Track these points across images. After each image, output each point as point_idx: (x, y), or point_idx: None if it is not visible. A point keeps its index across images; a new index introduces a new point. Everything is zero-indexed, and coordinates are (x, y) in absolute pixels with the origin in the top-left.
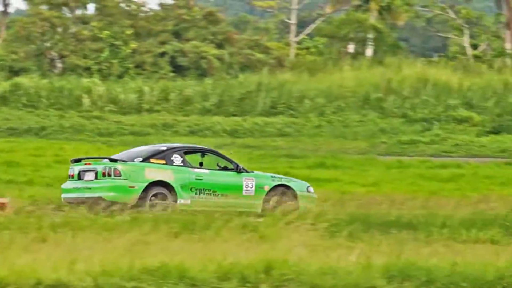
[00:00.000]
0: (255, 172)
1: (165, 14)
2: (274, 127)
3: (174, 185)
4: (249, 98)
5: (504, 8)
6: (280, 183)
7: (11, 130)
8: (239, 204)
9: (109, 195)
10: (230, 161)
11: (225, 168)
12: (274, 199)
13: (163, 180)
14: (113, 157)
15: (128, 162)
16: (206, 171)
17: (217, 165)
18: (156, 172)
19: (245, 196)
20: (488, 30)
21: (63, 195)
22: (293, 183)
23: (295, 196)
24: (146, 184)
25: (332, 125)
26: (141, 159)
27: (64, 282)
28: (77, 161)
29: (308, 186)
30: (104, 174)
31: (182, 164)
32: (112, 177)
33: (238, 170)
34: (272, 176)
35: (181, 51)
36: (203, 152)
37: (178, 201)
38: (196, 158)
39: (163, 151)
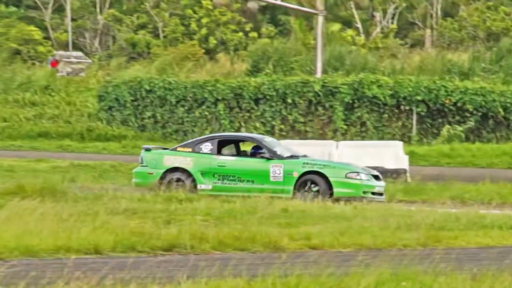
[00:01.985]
0: (292, 159)
1: None
2: None
3: (192, 172)
4: None
5: None
6: (311, 169)
7: None
8: (265, 189)
9: (134, 181)
10: (268, 149)
11: (253, 155)
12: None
13: (180, 167)
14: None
15: (152, 151)
16: (232, 158)
17: (250, 152)
18: (174, 159)
19: (272, 182)
20: None
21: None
22: (328, 169)
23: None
24: (163, 170)
25: None
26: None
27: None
28: (147, 149)
29: (349, 172)
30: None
31: (210, 152)
32: (139, 164)
33: (269, 157)
34: (304, 163)
35: None
36: (242, 140)
37: (198, 186)
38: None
39: (195, 140)
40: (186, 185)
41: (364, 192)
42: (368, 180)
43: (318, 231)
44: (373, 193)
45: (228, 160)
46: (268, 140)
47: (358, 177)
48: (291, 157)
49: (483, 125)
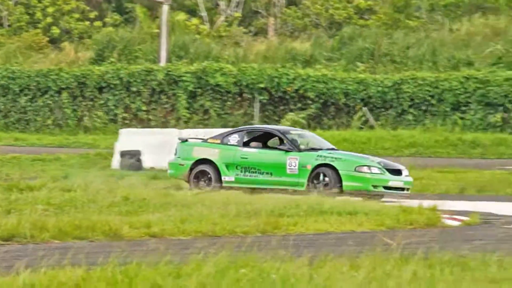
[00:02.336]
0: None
1: None
2: None
3: (217, 163)
4: None
5: None
6: (323, 162)
7: None
8: (282, 182)
9: (169, 172)
10: (288, 141)
11: (274, 148)
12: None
13: (207, 158)
14: None
15: (187, 142)
16: (254, 150)
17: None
18: (202, 150)
19: (289, 175)
20: None
21: None
22: (339, 162)
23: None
24: (192, 161)
25: None
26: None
27: None
28: (183, 140)
29: (359, 166)
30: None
31: (236, 143)
32: (174, 155)
33: (287, 149)
34: (319, 155)
35: None
36: (268, 132)
37: (222, 178)
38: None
39: (225, 131)
40: (211, 177)
41: (374, 186)
42: (380, 174)
43: (158, 219)
44: (387, 188)
45: (250, 152)
46: (295, 132)
47: (368, 171)
48: (312, 149)
49: (324, 112)
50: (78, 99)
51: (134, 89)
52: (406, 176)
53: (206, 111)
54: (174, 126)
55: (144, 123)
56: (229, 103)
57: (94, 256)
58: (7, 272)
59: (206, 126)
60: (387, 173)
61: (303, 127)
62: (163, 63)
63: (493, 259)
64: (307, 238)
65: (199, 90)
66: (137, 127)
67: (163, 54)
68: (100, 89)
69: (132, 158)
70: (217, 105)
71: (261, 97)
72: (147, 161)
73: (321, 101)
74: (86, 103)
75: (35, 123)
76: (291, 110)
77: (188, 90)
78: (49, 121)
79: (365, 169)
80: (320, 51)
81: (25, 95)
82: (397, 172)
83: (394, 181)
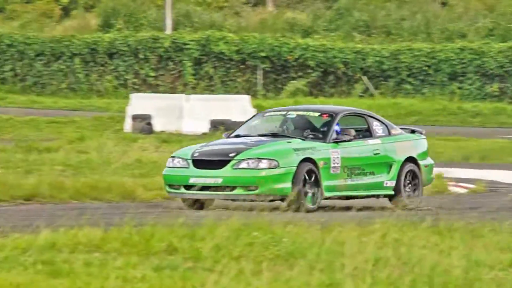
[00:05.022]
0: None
1: None
2: None
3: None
4: None
5: None
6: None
7: None
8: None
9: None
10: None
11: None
12: None
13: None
14: None
15: None
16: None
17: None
18: None
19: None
20: None
21: None
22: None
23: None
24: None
25: None
26: None
27: None
28: None
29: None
30: None
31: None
32: None
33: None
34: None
35: None
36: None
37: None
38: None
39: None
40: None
41: None
42: None
43: None
44: None
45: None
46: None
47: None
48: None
49: (325, 80)
50: (89, 64)
51: (142, 55)
52: None
53: (211, 78)
54: (182, 92)
55: (153, 88)
56: (232, 70)
57: (110, 216)
58: (28, 230)
59: (211, 92)
60: None
61: (305, 95)
62: (168, 31)
63: (504, 227)
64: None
65: (204, 57)
66: (146, 92)
67: (169, 22)
68: (110, 55)
69: (143, 122)
70: (221, 72)
71: (264, 65)
72: (157, 124)
73: (321, 69)
74: (98, 68)
75: (50, 87)
76: (293, 78)
77: (193, 57)
78: (64, 85)
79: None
80: (318, 22)
81: (40, 60)
82: None
83: None
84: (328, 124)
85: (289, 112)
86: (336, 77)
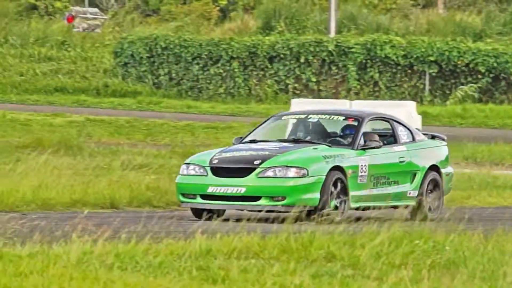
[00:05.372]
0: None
1: None
2: None
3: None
4: None
5: None
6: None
7: None
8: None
9: None
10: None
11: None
12: None
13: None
14: None
15: None
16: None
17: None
18: None
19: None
20: None
21: None
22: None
23: None
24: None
25: None
26: None
27: None
28: None
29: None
30: None
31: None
32: None
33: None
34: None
35: None
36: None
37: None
38: None
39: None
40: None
41: None
42: None
43: None
44: None
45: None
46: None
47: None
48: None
49: (495, 87)
50: (249, 68)
51: (303, 59)
52: None
53: (375, 83)
54: (345, 98)
55: (315, 94)
56: (398, 75)
57: (268, 223)
58: (183, 236)
59: (376, 98)
60: None
61: (474, 101)
62: (332, 34)
63: None
64: (481, 212)
65: (369, 61)
66: (307, 97)
67: (333, 25)
68: (271, 59)
69: None
70: (386, 77)
71: (431, 70)
72: None
73: (492, 75)
74: (257, 72)
75: (207, 91)
76: (461, 84)
77: (357, 61)
78: (221, 90)
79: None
80: (490, 25)
81: (197, 63)
82: None
83: None
84: (355, 129)
85: (310, 116)
86: (507, 83)
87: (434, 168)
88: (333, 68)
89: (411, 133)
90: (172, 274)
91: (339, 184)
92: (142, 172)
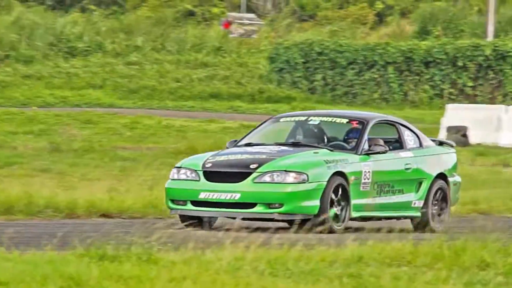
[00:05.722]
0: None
1: None
2: None
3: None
4: None
5: None
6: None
7: None
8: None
9: None
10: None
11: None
12: None
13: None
14: None
15: None
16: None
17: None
18: None
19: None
20: None
21: None
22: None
23: None
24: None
25: None
26: None
27: None
28: None
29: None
30: None
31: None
32: None
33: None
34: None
35: None
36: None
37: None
38: None
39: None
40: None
41: None
42: None
43: (486, 196)
44: None
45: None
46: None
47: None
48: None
49: None
50: (404, 73)
51: (460, 64)
52: None
53: None
54: (501, 102)
55: (470, 99)
56: None
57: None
58: (334, 244)
59: None
60: None
61: None
62: (490, 38)
63: None
64: None
65: None
66: (463, 103)
67: (491, 29)
68: (426, 64)
69: (458, 133)
70: None
71: None
72: (473, 136)
73: None
74: (412, 77)
75: (361, 97)
76: None
77: None
78: (376, 95)
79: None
80: None
81: (352, 68)
82: None
83: None
84: (359, 133)
85: (311, 118)
86: None
87: (442, 176)
88: (490, 72)
89: (418, 138)
90: (323, 281)
91: (340, 191)
92: None
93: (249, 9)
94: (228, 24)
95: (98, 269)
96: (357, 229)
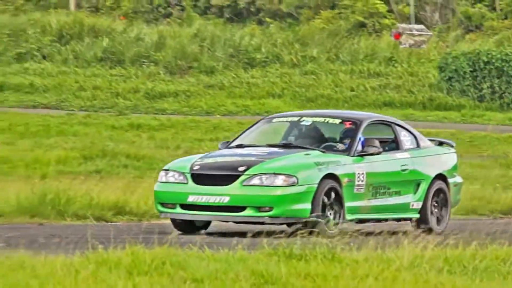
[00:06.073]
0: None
1: None
2: None
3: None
4: None
5: None
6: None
7: None
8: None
9: None
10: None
11: None
12: None
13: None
14: None
15: None
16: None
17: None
18: None
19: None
20: None
21: None
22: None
23: None
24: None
25: None
26: None
27: None
28: None
29: None
30: None
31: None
32: None
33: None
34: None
35: None
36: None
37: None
38: None
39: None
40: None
41: None
42: None
43: None
44: None
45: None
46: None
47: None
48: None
49: None
50: None
51: None
52: None
53: None
54: None
55: None
56: None
57: None
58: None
59: None
60: None
61: None
62: None
63: None
64: None
65: None
66: None
67: None
68: None
69: None
70: None
71: None
72: None
73: None
74: None
75: None
76: None
77: None
78: None
79: None
80: None
81: None
82: None
83: None
84: (352, 134)
85: (303, 118)
86: None
87: (441, 177)
88: None
89: (416, 138)
90: (497, 278)
91: (332, 194)
92: (467, 182)
93: (418, 20)
94: (398, 35)
95: (286, 267)
96: None
